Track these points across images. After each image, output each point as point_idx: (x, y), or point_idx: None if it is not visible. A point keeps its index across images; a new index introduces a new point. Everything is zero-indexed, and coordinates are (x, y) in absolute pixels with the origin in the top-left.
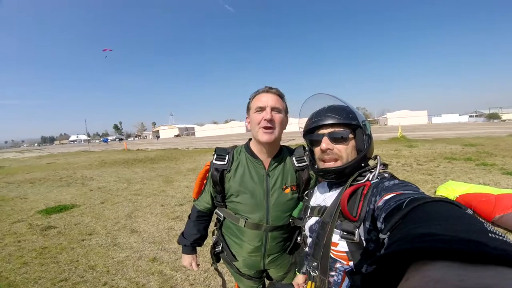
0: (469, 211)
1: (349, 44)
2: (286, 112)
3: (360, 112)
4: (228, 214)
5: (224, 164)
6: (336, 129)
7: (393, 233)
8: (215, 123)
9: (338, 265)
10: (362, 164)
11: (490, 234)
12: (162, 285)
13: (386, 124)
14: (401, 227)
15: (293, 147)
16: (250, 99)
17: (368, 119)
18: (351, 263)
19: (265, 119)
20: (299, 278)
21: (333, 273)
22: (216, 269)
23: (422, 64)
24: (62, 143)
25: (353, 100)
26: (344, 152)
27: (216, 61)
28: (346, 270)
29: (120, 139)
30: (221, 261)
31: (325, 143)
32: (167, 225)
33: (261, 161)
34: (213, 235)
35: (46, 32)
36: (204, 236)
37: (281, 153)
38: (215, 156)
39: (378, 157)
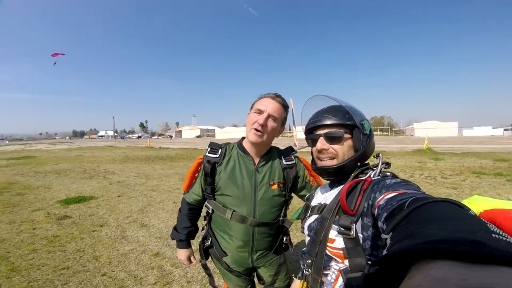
0: (472, 212)
1: (377, 48)
2: (283, 122)
3: (361, 112)
4: (216, 206)
5: (216, 157)
6: (332, 129)
7: (396, 233)
8: (235, 125)
9: (333, 263)
10: (359, 163)
11: (494, 235)
12: (159, 280)
13: (412, 135)
14: (404, 227)
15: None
16: (257, 99)
17: (394, 129)
18: (346, 261)
19: (257, 122)
20: (296, 284)
21: (327, 272)
22: (204, 265)
23: (454, 72)
24: (91, 138)
25: (378, 108)
26: (340, 151)
27: (239, 65)
28: (341, 269)
29: (139, 137)
30: (210, 259)
31: (321, 143)
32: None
33: (251, 157)
34: (202, 230)
35: (73, 35)
36: (195, 230)
37: (270, 152)
38: (209, 149)
39: (380, 155)
